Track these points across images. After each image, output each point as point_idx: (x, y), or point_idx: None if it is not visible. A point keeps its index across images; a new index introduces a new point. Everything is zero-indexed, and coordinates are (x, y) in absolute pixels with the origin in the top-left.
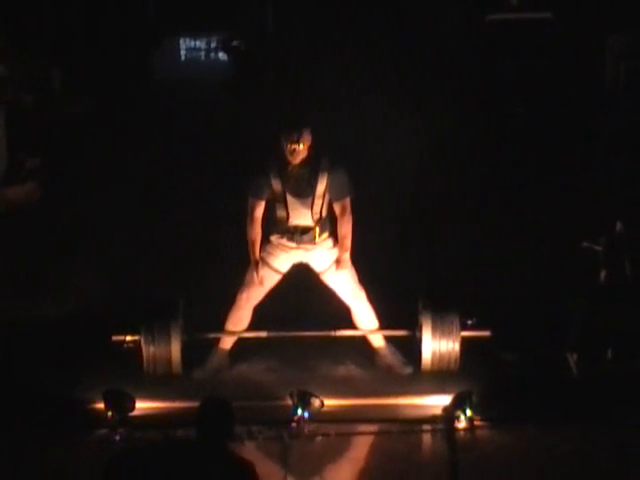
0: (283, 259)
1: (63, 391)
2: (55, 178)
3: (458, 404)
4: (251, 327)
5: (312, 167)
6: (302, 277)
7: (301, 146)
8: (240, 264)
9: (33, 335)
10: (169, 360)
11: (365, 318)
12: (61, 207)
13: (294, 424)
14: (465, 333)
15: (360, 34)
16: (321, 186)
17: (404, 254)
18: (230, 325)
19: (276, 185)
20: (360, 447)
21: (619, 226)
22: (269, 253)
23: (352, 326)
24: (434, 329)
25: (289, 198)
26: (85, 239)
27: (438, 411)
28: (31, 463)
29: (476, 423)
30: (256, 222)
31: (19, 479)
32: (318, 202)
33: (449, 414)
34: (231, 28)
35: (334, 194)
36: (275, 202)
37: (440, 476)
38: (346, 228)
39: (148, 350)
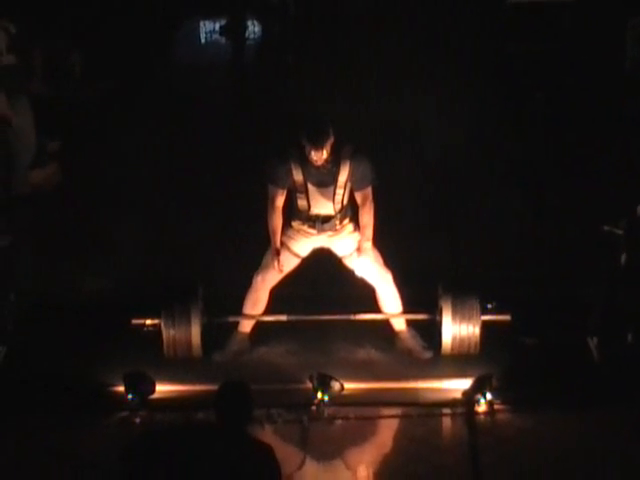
0: (303, 243)
1: (84, 374)
2: (75, 161)
3: (478, 388)
4: (270, 310)
5: (334, 157)
6: (322, 260)
7: (324, 153)
8: (260, 247)
9: (54, 318)
10: (189, 343)
11: (389, 301)
12: (81, 190)
13: (314, 407)
14: (485, 317)
15: (378, 19)
16: (343, 176)
17: (424, 238)
18: (247, 308)
19: (297, 175)
20: (380, 431)
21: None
22: (290, 237)
23: (372, 309)
24: (454, 313)
25: (310, 188)
26: (105, 223)
27: (458, 395)
28: (52, 445)
29: (496, 407)
30: (277, 211)
31: (40, 461)
32: (340, 192)
33: (469, 398)
34: (252, 8)
35: (356, 183)
36: (296, 191)
37: (460, 459)
38: (368, 217)
39: (168, 333)
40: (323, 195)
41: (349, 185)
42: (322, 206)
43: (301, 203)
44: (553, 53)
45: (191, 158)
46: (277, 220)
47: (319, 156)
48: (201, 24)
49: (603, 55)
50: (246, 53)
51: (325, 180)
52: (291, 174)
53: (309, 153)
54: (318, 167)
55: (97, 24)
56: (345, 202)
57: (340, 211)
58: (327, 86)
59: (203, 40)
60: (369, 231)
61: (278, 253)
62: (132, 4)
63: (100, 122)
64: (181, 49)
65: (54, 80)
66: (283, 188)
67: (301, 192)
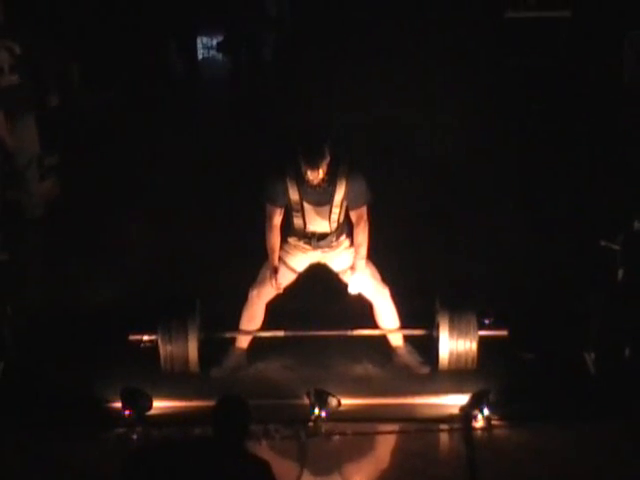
0: (300, 259)
1: (81, 389)
2: (74, 175)
3: (475, 403)
4: (268, 325)
5: (330, 175)
6: (319, 275)
7: (320, 172)
8: (259, 261)
9: (50, 333)
10: (186, 359)
11: (387, 316)
12: (78, 204)
13: (311, 423)
14: (482, 332)
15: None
16: (339, 195)
17: (421, 252)
18: (244, 323)
19: (293, 194)
20: (377, 446)
21: (637, 224)
22: (286, 252)
23: (369, 325)
24: (451, 328)
25: (306, 206)
26: (103, 236)
27: (455, 410)
28: (48, 461)
29: (493, 422)
30: (275, 229)
31: (36, 476)
32: (336, 210)
33: (466, 413)
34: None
35: (351, 202)
36: (292, 210)
37: (458, 474)
38: (362, 236)
39: (165, 349)
40: (319, 214)
41: (345, 203)
42: (318, 224)
43: (297, 221)
44: (550, 66)
45: (190, 170)
46: (275, 238)
47: (315, 176)
48: (198, 40)
49: (601, 68)
50: (243, 68)
51: (321, 199)
52: (287, 192)
53: (305, 172)
54: (314, 186)
55: (95, 36)
56: (341, 220)
57: (336, 229)
58: (323, 97)
59: (200, 56)
60: (363, 250)
61: (276, 271)
62: (131, 17)
63: (99, 134)
64: (178, 64)
65: (52, 91)
66: (281, 207)
67: (297, 210)
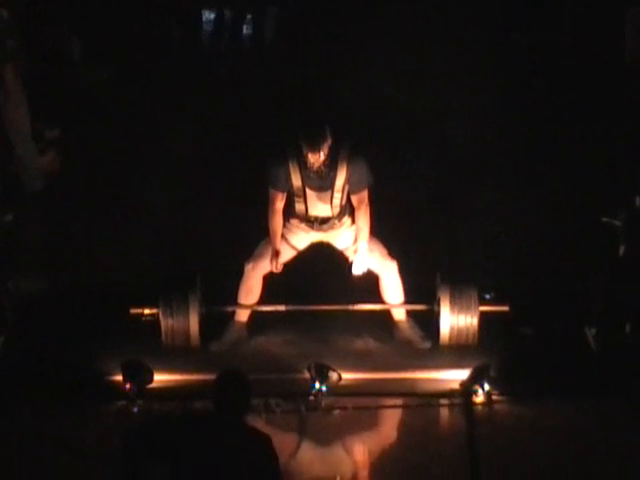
0: (302, 237)
1: (81, 362)
2: (75, 149)
3: (476, 378)
4: (268, 300)
5: (331, 159)
6: (320, 251)
7: (322, 155)
8: (260, 235)
9: (52, 306)
10: (187, 333)
11: (392, 290)
12: (79, 179)
13: (311, 397)
14: (483, 308)
15: None
16: (340, 179)
17: (423, 229)
18: (241, 297)
19: (295, 178)
20: (377, 421)
21: (638, 201)
22: (288, 230)
23: (371, 300)
24: (452, 304)
25: (308, 192)
26: (104, 212)
27: (456, 385)
28: (49, 434)
29: (494, 397)
30: (277, 213)
31: (36, 450)
32: (337, 195)
33: (467, 388)
34: None
35: (352, 186)
36: (294, 194)
37: (458, 448)
38: (363, 220)
39: (166, 323)
40: (321, 199)
41: (347, 187)
42: (320, 209)
43: (299, 206)
44: (553, 42)
45: (191, 146)
46: (277, 222)
47: (316, 158)
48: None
49: (602, 45)
50: (244, 41)
51: (323, 184)
52: (290, 178)
53: (306, 156)
54: (316, 171)
55: (96, 9)
56: (343, 204)
57: (338, 213)
58: (327, 73)
59: (205, 30)
60: (365, 233)
61: (277, 254)
62: None
63: (100, 109)
64: (182, 37)
65: (52, 66)
66: (283, 191)
67: (299, 195)
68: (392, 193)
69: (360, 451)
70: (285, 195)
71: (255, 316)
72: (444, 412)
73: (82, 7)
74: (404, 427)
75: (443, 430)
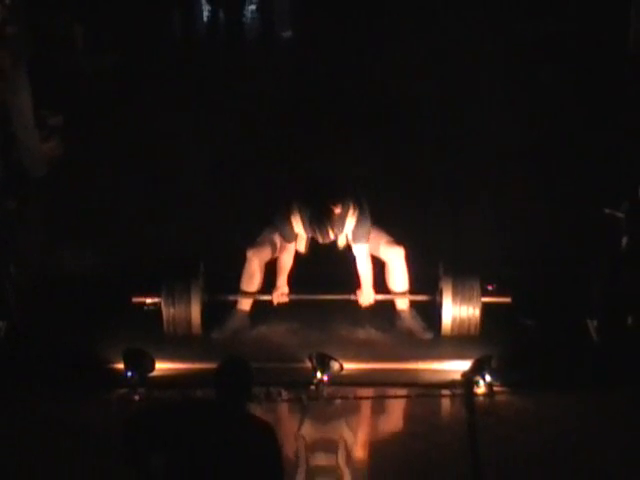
0: (302, 241)
1: (83, 350)
2: (78, 135)
3: (477, 369)
4: (269, 288)
5: (338, 219)
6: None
7: (331, 234)
8: (262, 224)
9: (54, 294)
10: (189, 321)
11: (397, 277)
12: (82, 165)
13: (313, 387)
14: (485, 299)
15: None
16: (343, 238)
17: (425, 219)
18: (243, 283)
19: (300, 234)
20: (378, 411)
21: None
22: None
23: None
24: (455, 294)
25: (313, 242)
26: (107, 198)
27: (457, 376)
28: (50, 421)
29: (495, 388)
30: (286, 251)
31: (37, 436)
32: (341, 242)
33: (468, 379)
34: None
35: (355, 238)
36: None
37: (459, 438)
38: (367, 269)
39: (168, 311)
40: (325, 242)
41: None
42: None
43: (300, 246)
44: (557, 32)
45: (194, 133)
46: (287, 259)
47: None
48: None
49: (607, 34)
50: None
51: (328, 238)
52: (295, 232)
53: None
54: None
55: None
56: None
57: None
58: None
59: (205, 17)
60: (368, 278)
61: (282, 294)
62: None
63: (103, 96)
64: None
65: (55, 52)
66: (291, 242)
67: (301, 239)
68: (395, 182)
69: (361, 441)
70: (293, 244)
71: (257, 305)
72: (445, 402)
73: None
74: (405, 417)
75: (444, 420)
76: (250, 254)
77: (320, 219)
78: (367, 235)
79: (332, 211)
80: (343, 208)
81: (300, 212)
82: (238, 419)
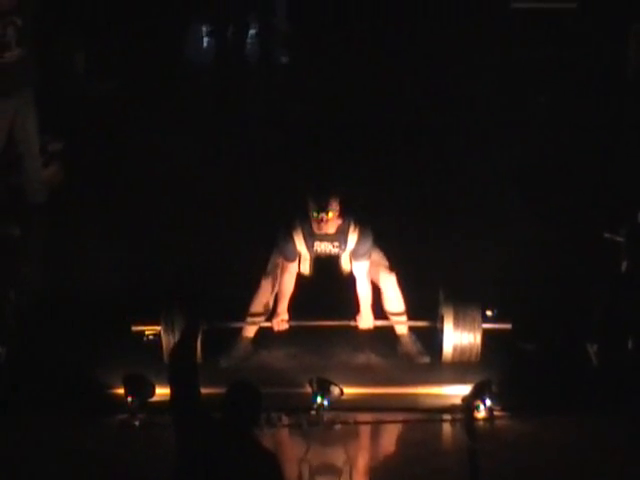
0: (306, 262)
1: (83, 375)
2: (79, 161)
3: (477, 394)
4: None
5: (340, 233)
6: (323, 265)
7: (329, 214)
8: (261, 250)
9: (53, 319)
10: None
11: (392, 301)
12: (83, 191)
13: (313, 412)
14: (486, 326)
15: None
16: (347, 255)
17: (424, 244)
18: (253, 310)
19: (303, 253)
20: (378, 436)
21: None
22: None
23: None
24: (456, 322)
25: (315, 260)
26: (107, 223)
27: (457, 401)
28: (50, 446)
29: (495, 413)
30: (289, 274)
31: (37, 462)
32: (344, 261)
33: (468, 404)
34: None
35: (356, 255)
36: (300, 261)
37: (459, 463)
38: (366, 290)
39: (168, 341)
40: (328, 260)
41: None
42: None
43: (304, 269)
44: (556, 58)
45: (196, 158)
46: (289, 283)
47: (323, 220)
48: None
49: (605, 60)
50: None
51: (330, 257)
52: (297, 250)
53: (313, 217)
54: (324, 240)
55: (101, 22)
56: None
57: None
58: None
59: (205, 43)
60: (367, 301)
61: (282, 319)
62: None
63: (104, 121)
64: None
65: (57, 78)
66: (294, 261)
67: (305, 261)
68: (393, 205)
69: (361, 466)
70: (297, 263)
71: (259, 330)
72: (446, 427)
73: (87, 20)
74: (405, 442)
75: (444, 445)
76: (263, 282)
77: (320, 193)
78: (368, 253)
79: (333, 189)
80: (345, 221)
81: (302, 227)
82: (244, 445)
